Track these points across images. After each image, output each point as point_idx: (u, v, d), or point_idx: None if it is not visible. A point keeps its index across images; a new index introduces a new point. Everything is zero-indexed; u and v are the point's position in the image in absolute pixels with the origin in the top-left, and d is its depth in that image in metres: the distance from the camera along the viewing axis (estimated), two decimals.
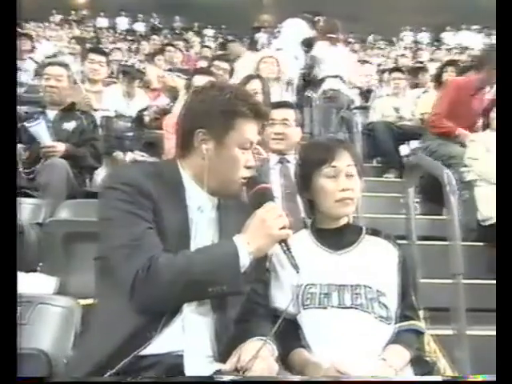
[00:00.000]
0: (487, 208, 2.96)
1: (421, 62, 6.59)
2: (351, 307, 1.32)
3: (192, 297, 1.12)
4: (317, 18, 5.34)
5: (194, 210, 1.21)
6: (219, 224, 1.26)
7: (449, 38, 12.66)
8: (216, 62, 4.19)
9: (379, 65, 7.91)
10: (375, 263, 1.39)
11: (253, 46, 11.38)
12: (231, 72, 4.14)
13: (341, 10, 14.03)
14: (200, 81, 2.78)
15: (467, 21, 13.88)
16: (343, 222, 1.46)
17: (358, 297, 1.33)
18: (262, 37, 11.86)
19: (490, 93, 3.53)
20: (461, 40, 12.30)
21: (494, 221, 2.91)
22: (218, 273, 1.08)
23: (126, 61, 5.76)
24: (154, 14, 14.34)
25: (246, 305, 1.23)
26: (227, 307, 1.19)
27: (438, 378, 1.15)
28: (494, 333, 2.15)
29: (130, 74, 4.06)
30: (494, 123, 3.18)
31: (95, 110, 3.19)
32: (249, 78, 2.95)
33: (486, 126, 3.27)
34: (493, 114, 3.20)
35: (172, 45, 6.70)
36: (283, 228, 1.14)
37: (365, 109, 4.97)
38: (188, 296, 1.11)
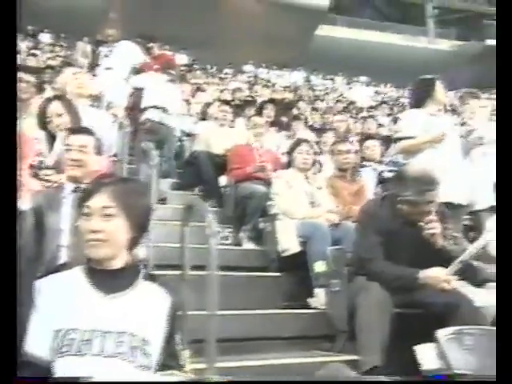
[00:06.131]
0: (286, 240, 3.24)
1: (252, 97, 7.03)
2: (112, 356, 1.28)
3: None
4: (151, 44, 5.33)
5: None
6: None
7: (284, 76, 13.89)
8: (20, 74, 3.65)
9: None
10: (145, 310, 1.37)
11: (94, 59, 10.87)
12: (40, 86, 3.68)
13: (187, 36, 14.40)
14: None
15: (301, 62, 15.45)
16: (119, 263, 1.40)
17: (121, 345, 1.30)
18: (103, 51, 11.43)
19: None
20: (294, 79, 13.59)
21: (291, 252, 3.20)
22: None
23: None
24: None
25: None
26: None
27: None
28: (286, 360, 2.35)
29: None
30: (295, 161, 3.54)
31: None
32: (48, 101, 2.75)
33: (289, 165, 3.60)
34: (294, 154, 3.56)
35: None
36: None
37: (193, 136, 5.08)
38: None
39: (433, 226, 2.29)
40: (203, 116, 5.33)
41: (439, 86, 3.51)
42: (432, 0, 21.38)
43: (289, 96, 9.20)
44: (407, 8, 21.71)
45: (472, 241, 2.91)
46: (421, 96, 3.48)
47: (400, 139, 3.49)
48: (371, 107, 9.71)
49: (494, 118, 4.97)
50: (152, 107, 4.40)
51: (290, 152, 3.60)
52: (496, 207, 1.81)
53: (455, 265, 2.19)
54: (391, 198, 2.50)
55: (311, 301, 2.98)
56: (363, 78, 15.97)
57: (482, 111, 4.22)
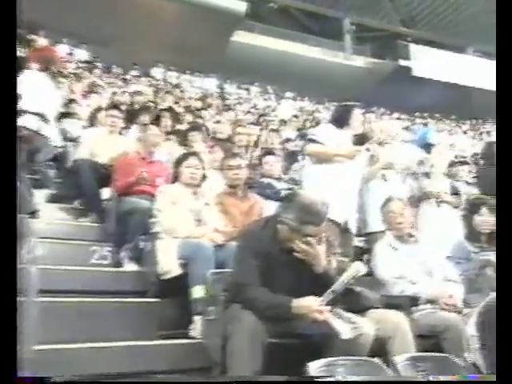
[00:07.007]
0: (166, 261, 2.96)
1: (154, 102, 6.66)
2: None
3: None
4: (32, 37, 4.78)
5: None
6: None
7: (195, 82, 13.56)
8: None
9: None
10: None
11: None
12: None
13: (89, 31, 13.54)
14: None
15: (215, 69, 15.22)
16: None
17: None
18: None
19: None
20: (206, 87, 13.32)
21: (172, 274, 2.92)
22: None
23: None
24: None
25: None
26: None
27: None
28: None
29: None
30: (182, 176, 3.29)
31: None
32: None
33: (175, 179, 3.34)
34: (181, 168, 3.31)
35: None
36: None
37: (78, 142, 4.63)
38: None
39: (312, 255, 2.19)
40: (92, 121, 4.88)
41: (357, 114, 3.64)
42: (349, 15, 21.69)
43: (195, 104, 8.91)
44: (327, 21, 21.79)
45: (366, 263, 2.89)
46: (340, 120, 3.68)
47: (312, 141, 3.56)
48: (282, 121, 9.68)
49: (399, 139, 5.15)
50: (29, 113, 3.89)
51: (176, 165, 3.35)
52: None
53: (328, 294, 2.08)
54: (275, 219, 2.35)
55: (190, 330, 2.74)
56: (278, 90, 16.04)
57: (388, 132, 4.35)
